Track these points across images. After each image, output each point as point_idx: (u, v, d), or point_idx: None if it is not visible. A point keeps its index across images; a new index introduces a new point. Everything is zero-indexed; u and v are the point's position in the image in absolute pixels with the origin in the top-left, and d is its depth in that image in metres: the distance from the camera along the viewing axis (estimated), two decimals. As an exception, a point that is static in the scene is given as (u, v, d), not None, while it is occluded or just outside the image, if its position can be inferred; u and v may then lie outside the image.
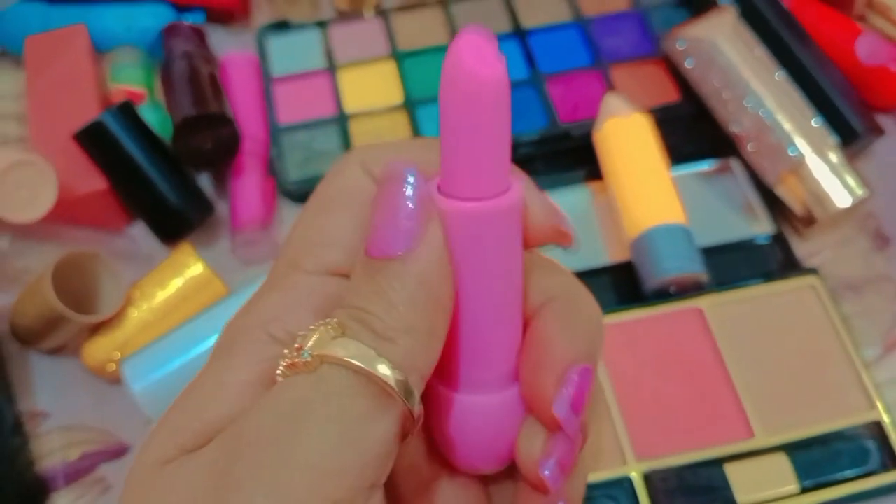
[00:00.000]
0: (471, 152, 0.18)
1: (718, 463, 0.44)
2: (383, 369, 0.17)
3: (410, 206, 0.18)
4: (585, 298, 0.21)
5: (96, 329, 0.47)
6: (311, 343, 0.18)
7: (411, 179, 0.18)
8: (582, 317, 0.20)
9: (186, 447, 0.18)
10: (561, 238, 0.21)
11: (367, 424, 0.17)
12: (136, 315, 0.47)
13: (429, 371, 0.18)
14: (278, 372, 0.18)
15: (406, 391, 0.17)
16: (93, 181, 0.52)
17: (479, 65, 0.17)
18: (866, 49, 0.58)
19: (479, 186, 0.18)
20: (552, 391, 0.19)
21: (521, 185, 0.19)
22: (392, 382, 0.17)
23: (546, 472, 0.19)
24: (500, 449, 0.21)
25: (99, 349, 0.46)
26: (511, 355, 0.20)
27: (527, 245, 0.20)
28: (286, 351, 0.18)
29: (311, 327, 0.18)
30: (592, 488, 0.43)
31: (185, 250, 0.48)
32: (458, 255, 0.18)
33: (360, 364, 0.17)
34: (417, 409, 0.18)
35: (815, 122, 0.52)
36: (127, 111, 0.51)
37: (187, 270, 0.47)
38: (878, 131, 0.55)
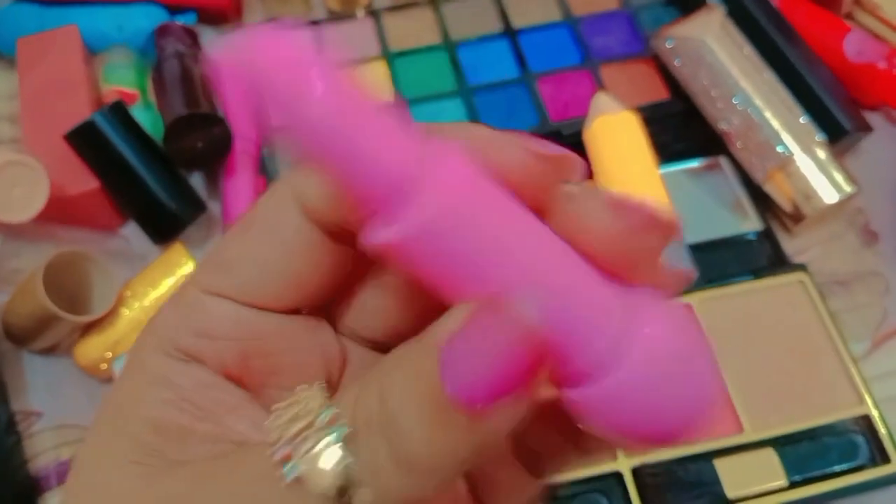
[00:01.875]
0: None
1: (708, 458, 0.44)
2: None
3: (517, 363, 0.14)
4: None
5: (89, 328, 0.47)
6: (300, 449, 0.15)
7: (531, 321, 0.14)
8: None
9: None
10: (564, 171, 0.17)
11: None
12: (128, 314, 0.47)
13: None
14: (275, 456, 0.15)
15: None
16: (85, 181, 0.52)
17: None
18: (854, 47, 0.59)
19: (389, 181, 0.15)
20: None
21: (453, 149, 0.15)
22: None
23: None
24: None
25: (91, 348, 0.47)
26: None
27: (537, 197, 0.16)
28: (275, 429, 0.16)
29: (296, 406, 0.16)
30: (582, 483, 0.44)
31: (177, 250, 0.49)
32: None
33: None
34: None
35: (803, 120, 0.53)
36: (118, 111, 0.51)
37: (179, 270, 0.48)
38: (866, 128, 0.56)
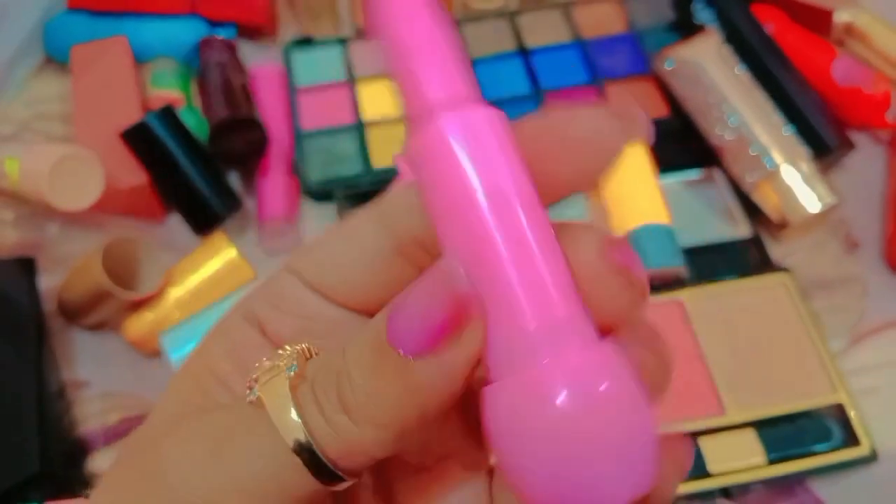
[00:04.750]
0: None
1: (693, 437, 0.48)
2: (302, 439, 0.17)
3: (439, 310, 0.16)
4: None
5: (137, 306, 0.52)
6: (261, 380, 0.17)
7: (460, 284, 0.16)
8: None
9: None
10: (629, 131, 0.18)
11: (268, 480, 0.17)
12: (173, 294, 0.52)
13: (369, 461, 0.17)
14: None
15: (329, 473, 0.17)
16: (135, 176, 0.57)
17: None
18: (842, 71, 0.63)
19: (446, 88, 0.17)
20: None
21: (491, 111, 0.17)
22: (308, 461, 0.17)
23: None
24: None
25: (139, 324, 0.52)
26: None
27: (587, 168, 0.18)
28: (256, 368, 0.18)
29: (278, 357, 0.18)
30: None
31: (219, 237, 0.54)
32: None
33: (287, 433, 0.17)
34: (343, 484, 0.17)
35: (790, 137, 0.57)
36: (168, 114, 0.56)
37: (221, 255, 0.53)
38: (849, 146, 0.60)
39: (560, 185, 0.18)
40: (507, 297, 0.16)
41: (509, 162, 0.16)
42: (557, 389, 0.15)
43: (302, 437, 0.17)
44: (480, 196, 0.16)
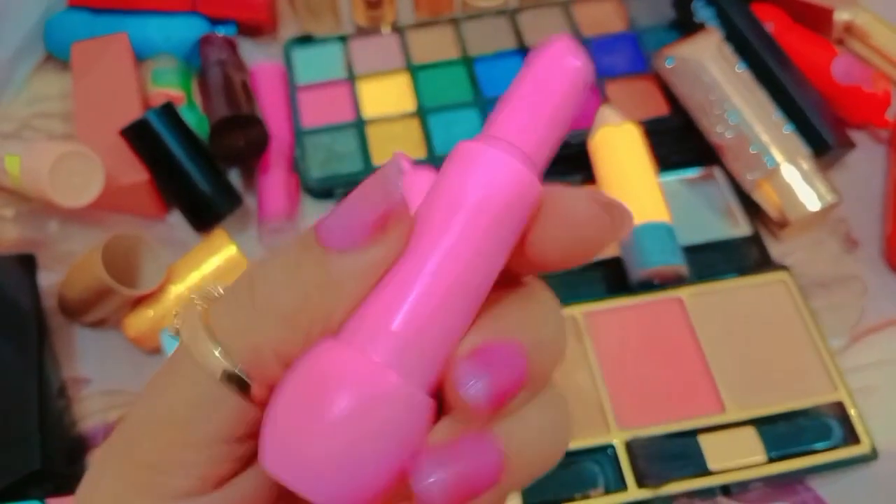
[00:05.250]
0: (535, 108, 0.18)
1: (693, 434, 0.48)
2: (204, 347, 0.17)
3: (374, 208, 0.17)
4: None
5: (138, 303, 0.52)
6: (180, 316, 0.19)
7: (397, 188, 0.17)
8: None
9: None
10: (614, 230, 0.18)
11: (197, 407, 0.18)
12: (174, 291, 0.52)
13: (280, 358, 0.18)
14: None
15: (239, 381, 0.17)
16: (135, 173, 0.57)
17: (581, 57, 0.19)
18: (842, 70, 0.64)
19: (521, 139, 0.18)
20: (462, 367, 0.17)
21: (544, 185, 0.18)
22: (219, 367, 0.17)
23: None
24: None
25: (140, 321, 0.52)
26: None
27: (571, 249, 0.18)
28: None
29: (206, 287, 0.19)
30: (578, 454, 0.48)
31: (219, 234, 0.54)
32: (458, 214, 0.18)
33: (199, 354, 0.17)
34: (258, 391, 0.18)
35: (790, 135, 0.57)
36: (168, 111, 0.56)
37: (222, 252, 0.53)
38: (849, 145, 0.60)
39: (539, 256, 0.18)
40: (399, 296, 0.17)
41: (501, 217, 0.18)
42: (343, 380, 0.16)
43: (213, 351, 0.17)
44: (460, 216, 0.17)
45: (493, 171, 0.17)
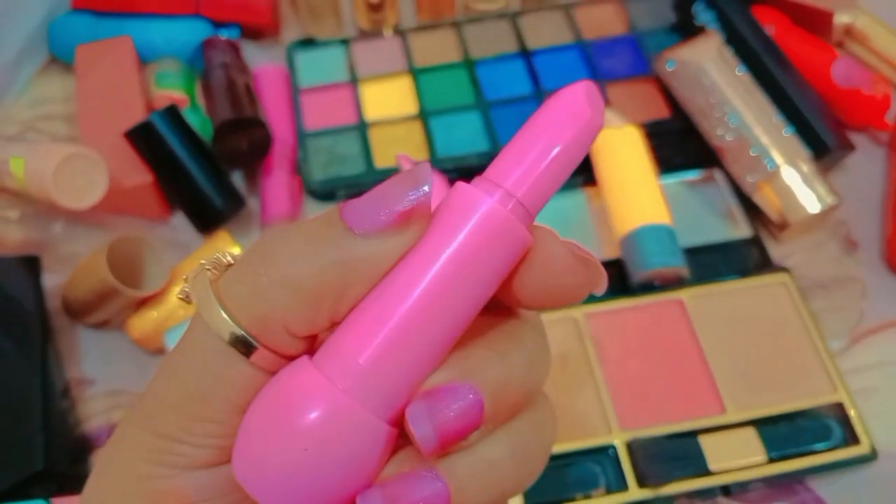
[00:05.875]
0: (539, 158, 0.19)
1: (693, 434, 0.49)
2: (215, 315, 0.18)
3: (403, 200, 0.18)
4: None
5: (141, 305, 0.53)
6: (192, 283, 0.19)
7: (426, 188, 0.18)
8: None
9: None
10: (590, 284, 0.20)
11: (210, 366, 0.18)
12: (177, 292, 0.52)
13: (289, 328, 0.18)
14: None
15: (246, 343, 0.18)
16: (139, 175, 0.58)
17: (595, 107, 0.20)
18: (841, 72, 0.64)
19: (519, 183, 0.19)
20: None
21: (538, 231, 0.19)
22: (225, 332, 0.18)
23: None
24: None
25: (144, 322, 0.52)
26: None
27: (550, 292, 0.19)
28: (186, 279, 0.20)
29: (206, 261, 0.19)
30: (579, 454, 0.48)
31: (222, 236, 0.54)
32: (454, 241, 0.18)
33: (201, 309, 0.18)
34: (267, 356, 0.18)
35: (790, 138, 0.58)
36: (172, 114, 0.57)
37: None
38: (849, 147, 0.61)
39: (524, 295, 0.19)
40: (373, 328, 0.18)
41: (482, 264, 0.18)
42: (305, 402, 0.17)
43: (221, 313, 0.18)
44: (443, 258, 0.18)
45: (483, 222, 0.18)
